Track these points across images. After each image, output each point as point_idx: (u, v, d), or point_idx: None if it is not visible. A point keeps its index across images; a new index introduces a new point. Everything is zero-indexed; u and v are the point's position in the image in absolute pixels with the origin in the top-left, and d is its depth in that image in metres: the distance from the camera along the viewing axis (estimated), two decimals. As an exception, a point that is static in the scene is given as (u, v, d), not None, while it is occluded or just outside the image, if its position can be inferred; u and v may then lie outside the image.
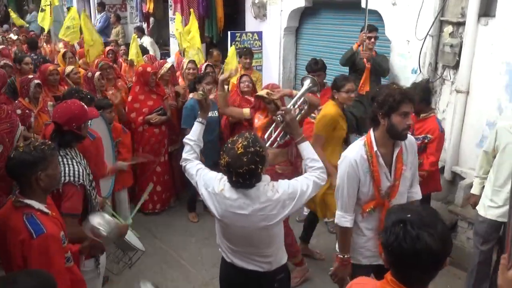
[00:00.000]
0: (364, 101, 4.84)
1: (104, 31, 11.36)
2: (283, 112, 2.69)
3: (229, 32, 7.27)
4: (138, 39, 10.04)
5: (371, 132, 2.68)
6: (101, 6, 11.55)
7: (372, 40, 5.13)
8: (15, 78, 5.31)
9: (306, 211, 5.22)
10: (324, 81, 5.06)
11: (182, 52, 6.93)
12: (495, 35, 4.43)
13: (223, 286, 2.87)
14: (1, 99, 3.86)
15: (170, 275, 4.40)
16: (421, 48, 5.05)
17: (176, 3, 8.42)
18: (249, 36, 7.34)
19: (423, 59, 5.11)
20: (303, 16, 7.05)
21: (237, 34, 7.23)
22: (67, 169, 2.70)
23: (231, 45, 7.09)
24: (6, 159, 2.36)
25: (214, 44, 8.51)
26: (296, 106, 3.00)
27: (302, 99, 3.05)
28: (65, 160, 2.73)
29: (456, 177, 4.96)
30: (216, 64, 6.45)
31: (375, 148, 2.63)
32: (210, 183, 2.54)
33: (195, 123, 2.86)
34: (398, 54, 5.37)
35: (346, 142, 3.98)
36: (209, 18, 8.31)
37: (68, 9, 9.95)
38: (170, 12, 9.34)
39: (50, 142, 2.42)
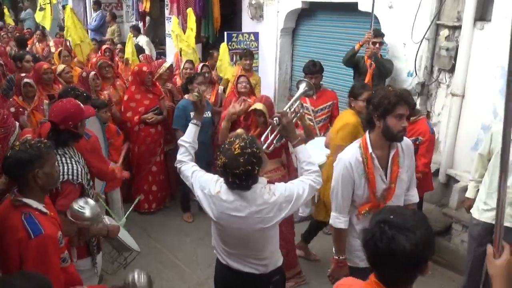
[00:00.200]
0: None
1: (99, 29, 11.34)
2: (280, 115, 2.69)
3: (225, 33, 7.27)
4: (134, 38, 10.03)
5: (366, 134, 2.68)
6: (97, 5, 11.50)
7: (377, 45, 5.09)
8: (15, 76, 5.29)
9: (301, 212, 5.24)
10: (321, 83, 5.06)
11: (180, 53, 6.92)
12: (491, 39, 4.46)
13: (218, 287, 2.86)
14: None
15: (165, 275, 4.39)
16: (417, 51, 5.08)
17: (173, 2, 8.42)
18: (245, 36, 7.35)
19: (419, 62, 5.13)
20: (300, 17, 7.07)
21: (233, 35, 7.24)
22: (65, 167, 2.70)
23: (227, 46, 7.10)
24: None
25: (211, 44, 8.51)
26: (292, 109, 3.00)
27: (298, 102, 3.05)
28: (63, 159, 2.73)
29: (451, 180, 4.99)
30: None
31: (370, 150, 2.63)
32: (206, 185, 2.53)
33: (190, 124, 2.85)
34: (394, 57, 5.40)
35: None
36: (206, 18, 8.31)
37: (64, 7, 9.89)
38: (166, 12, 9.34)
39: (46, 140, 2.40)
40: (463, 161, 4.83)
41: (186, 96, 5.09)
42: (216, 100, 5.71)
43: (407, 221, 1.55)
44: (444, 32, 4.94)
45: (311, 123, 4.92)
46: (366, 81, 5.11)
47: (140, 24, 10.71)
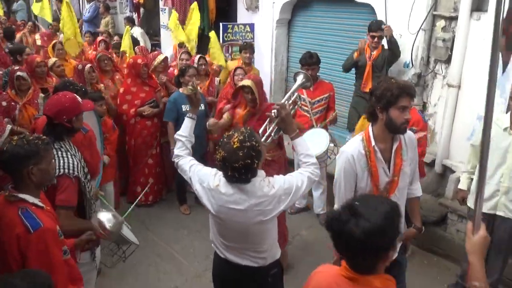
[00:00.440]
0: (368, 98, 4.86)
1: (93, 21, 11.23)
2: (278, 107, 2.68)
3: (221, 24, 7.22)
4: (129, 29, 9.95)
5: (369, 127, 2.67)
6: (90, -4, 11.40)
7: (376, 39, 5.00)
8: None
9: (298, 204, 5.28)
10: (318, 74, 5.05)
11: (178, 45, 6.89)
12: (487, 30, 4.45)
13: (216, 281, 2.88)
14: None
15: (163, 267, 4.40)
16: (414, 42, 5.07)
17: (167, -7, 8.35)
18: (241, 28, 7.29)
19: (415, 53, 5.13)
20: (296, 8, 7.02)
21: (229, 26, 7.18)
22: (61, 161, 2.69)
23: (222, 38, 7.06)
24: None
25: (206, 36, 8.45)
26: (290, 102, 2.99)
27: (295, 94, 3.04)
28: (59, 153, 2.72)
29: (447, 170, 5.02)
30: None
31: (373, 143, 2.62)
32: (205, 178, 2.53)
33: (186, 118, 2.84)
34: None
35: None
36: (201, 10, 8.23)
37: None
38: (161, 3, 9.26)
39: (44, 136, 2.38)
40: (459, 151, 4.85)
41: (180, 89, 5.06)
42: (213, 91, 5.69)
43: (366, 208, 1.60)
44: (441, 23, 4.92)
45: (308, 115, 4.92)
46: (366, 72, 5.10)
47: (135, 16, 10.62)
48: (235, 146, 2.31)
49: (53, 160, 2.43)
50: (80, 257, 2.70)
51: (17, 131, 4.24)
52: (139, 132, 5.30)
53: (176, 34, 6.83)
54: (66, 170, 2.68)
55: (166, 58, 5.80)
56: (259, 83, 4.04)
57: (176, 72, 5.97)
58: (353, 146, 2.67)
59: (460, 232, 4.49)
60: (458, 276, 3.99)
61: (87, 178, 2.88)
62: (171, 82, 5.62)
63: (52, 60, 5.72)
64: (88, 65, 5.05)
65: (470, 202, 3.71)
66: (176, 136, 2.81)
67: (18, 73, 4.52)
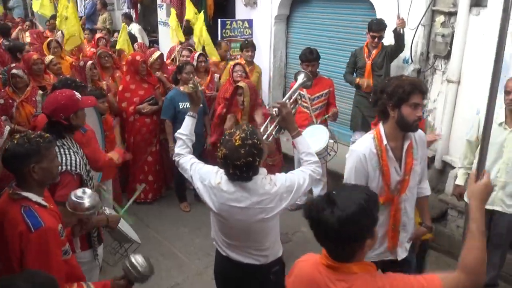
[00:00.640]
0: (369, 97, 4.83)
1: (90, 18, 11.18)
2: (279, 105, 2.67)
3: (219, 20, 7.19)
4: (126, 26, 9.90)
5: (380, 125, 2.63)
6: (88, -8, 11.34)
7: (376, 40, 4.94)
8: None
9: (298, 201, 5.26)
10: (317, 70, 5.04)
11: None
12: (487, 25, 4.44)
13: (218, 279, 2.88)
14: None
15: (164, 265, 4.41)
16: (413, 38, 5.06)
17: (165, -11, 8.31)
18: (239, 24, 7.27)
19: (414, 48, 5.12)
20: (294, 4, 7.00)
21: (227, 22, 7.16)
22: (64, 158, 2.69)
23: (221, 34, 7.03)
24: None
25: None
26: (291, 100, 2.99)
27: (297, 93, 3.04)
28: (61, 150, 2.72)
29: (446, 166, 5.02)
30: (224, 55, 6.36)
31: (384, 142, 2.58)
32: (206, 176, 2.52)
33: (186, 117, 2.83)
34: (390, 43, 5.37)
35: None
36: (199, 5, 8.21)
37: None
38: (159, -1, 9.25)
39: (47, 134, 2.36)
40: (458, 147, 4.83)
41: (181, 88, 5.03)
42: (212, 87, 5.68)
43: (342, 197, 1.64)
44: (440, 18, 4.91)
45: (308, 111, 4.92)
46: (366, 71, 5.06)
47: (132, 12, 10.57)
48: (236, 143, 2.31)
49: (56, 159, 2.41)
50: (82, 252, 2.69)
51: (15, 130, 4.23)
52: (138, 129, 5.28)
53: (176, 32, 6.79)
54: (69, 167, 2.68)
55: (161, 55, 5.77)
56: (252, 89, 4.13)
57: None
58: (364, 145, 2.63)
59: (460, 228, 4.49)
60: None
61: (89, 176, 2.87)
62: (169, 79, 5.60)
63: (49, 58, 5.69)
64: (90, 62, 5.01)
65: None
66: (176, 134, 2.80)
67: (13, 71, 4.50)
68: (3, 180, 2.64)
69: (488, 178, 1.80)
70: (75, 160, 2.73)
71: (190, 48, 6.15)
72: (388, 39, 5.20)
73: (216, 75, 5.96)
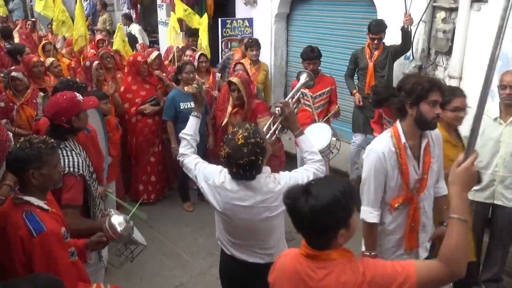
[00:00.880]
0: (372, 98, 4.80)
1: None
2: (282, 105, 2.66)
3: (219, 19, 7.19)
4: (126, 27, 9.88)
5: (397, 123, 2.59)
6: (87, -7, 11.35)
7: (376, 41, 4.88)
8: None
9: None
10: (319, 68, 5.03)
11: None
12: (488, 21, 4.43)
13: (223, 278, 2.88)
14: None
15: (168, 265, 4.41)
16: (414, 34, 5.04)
17: (165, -10, 8.31)
18: (239, 23, 7.27)
19: (416, 45, 5.11)
20: (294, 2, 7.00)
21: (227, 21, 7.16)
22: (66, 160, 2.68)
23: (221, 33, 7.03)
24: None
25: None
26: (294, 100, 2.99)
27: (299, 92, 3.04)
28: (64, 152, 2.72)
29: (449, 162, 5.01)
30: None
31: (403, 140, 2.54)
32: (210, 176, 2.52)
33: (190, 117, 2.83)
34: (391, 40, 5.35)
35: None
36: (199, 5, 8.21)
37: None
38: (158, -1, 9.25)
39: (51, 140, 2.34)
40: (461, 143, 4.85)
41: (185, 88, 5.02)
42: (214, 87, 5.67)
43: (318, 187, 1.67)
44: (441, 14, 4.90)
45: (310, 109, 4.91)
46: (368, 72, 4.99)
47: (132, 12, 10.57)
48: (239, 142, 2.31)
49: (59, 164, 2.40)
50: (90, 258, 2.69)
51: (16, 133, 4.24)
52: (140, 130, 5.28)
53: (175, 36, 6.77)
54: (72, 169, 2.68)
55: (159, 55, 5.76)
56: (246, 82, 4.11)
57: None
58: (382, 144, 2.58)
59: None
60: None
61: (92, 177, 2.87)
62: (169, 78, 5.61)
63: (50, 60, 5.69)
64: (96, 62, 4.99)
65: (471, 194, 3.70)
66: (181, 134, 2.80)
67: (13, 73, 4.49)
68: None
69: (470, 163, 1.72)
70: (78, 161, 2.73)
71: (194, 48, 6.13)
72: (389, 38, 5.20)
73: (218, 74, 5.95)
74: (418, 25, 4.99)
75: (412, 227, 2.66)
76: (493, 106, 3.54)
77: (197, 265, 4.41)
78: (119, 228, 2.49)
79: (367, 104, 4.98)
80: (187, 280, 4.21)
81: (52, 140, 2.34)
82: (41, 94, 4.64)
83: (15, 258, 2.20)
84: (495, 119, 3.48)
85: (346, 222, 1.67)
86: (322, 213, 1.62)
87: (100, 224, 2.64)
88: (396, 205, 2.61)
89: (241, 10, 7.63)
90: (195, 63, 5.43)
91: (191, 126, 2.79)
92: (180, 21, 6.99)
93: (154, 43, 9.93)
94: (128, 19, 9.98)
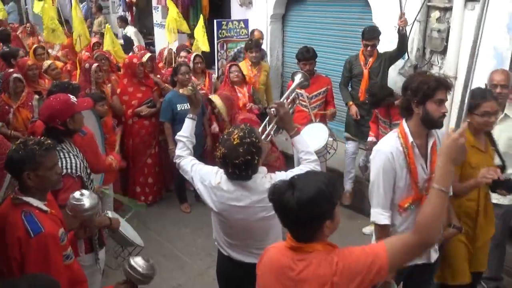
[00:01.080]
0: (366, 106, 4.77)
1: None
2: (277, 105, 2.67)
3: (215, 21, 7.18)
4: (122, 29, 9.87)
5: (403, 123, 2.57)
6: (82, -5, 11.32)
7: (369, 48, 4.79)
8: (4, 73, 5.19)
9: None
10: (315, 69, 5.04)
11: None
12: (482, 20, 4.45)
13: (220, 279, 2.89)
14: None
15: (166, 266, 4.41)
16: (409, 34, 5.05)
17: (160, -9, 8.31)
18: (235, 24, 7.26)
19: (410, 44, 5.12)
20: (289, 3, 7.01)
21: (223, 23, 7.15)
22: (64, 162, 2.70)
23: (217, 34, 7.03)
24: None
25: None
26: (289, 101, 3.00)
27: (294, 93, 3.05)
28: (61, 154, 2.73)
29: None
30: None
31: (410, 139, 2.51)
32: (207, 177, 2.53)
33: (186, 119, 2.83)
34: (386, 40, 5.36)
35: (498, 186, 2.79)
36: (194, 6, 8.21)
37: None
38: (154, 1, 9.23)
39: (47, 141, 2.33)
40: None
41: (180, 90, 5.02)
42: (210, 88, 5.68)
43: (302, 181, 1.72)
44: (435, 14, 4.92)
45: (306, 109, 4.92)
46: (363, 80, 4.89)
47: (127, 15, 10.57)
48: (235, 142, 2.32)
49: (57, 166, 2.39)
50: (83, 256, 2.69)
51: (12, 135, 4.23)
52: (137, 132, 5.28)
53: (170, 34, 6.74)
54: (69, 170, 2.69)
55: (152, 56, 5.74)
56: (226, 99, 4.13)
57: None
58: (390, 144, 2.55)
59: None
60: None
61: (90, 179, 2.87)
62: (163, 80, 5.61)
63: (47, 62, 5.67)
64: (95, 65, 4.96)
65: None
66: (177, 137, 2.81)
67: (15, 75, 4.49)
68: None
69: (458, 135, 1.72)
70: (75, 163, 2.74)
71: (189, 49, 6.12)
72: (384, 39, 5.20)
73: (214, 75, 5.96)
74: (413, 24, 5.00)
75: None
76: None
77: (196, 265, 4.42)
78: (83, 203, 2.45)
79: (360, 111, 4.94)
80: (185, 281, 4.22)
81: (49, 141, 2.34)
82: (36, 96, 4.65)
83: (11, 258, 2.20)
84: None
85: (331, 214, 1.72)
86: (308, 205, 1.66)
87: (99, 220, 2.66)
88: (405, 206, 2.57)
89: (236, 11, 7.64)
90: (191, 65, 5.43)
91: (187, 128, 2.80)
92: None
93: (149, 45, 9.92)
94: (123, 22, 9.97)
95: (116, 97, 5.10)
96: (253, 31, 6.64)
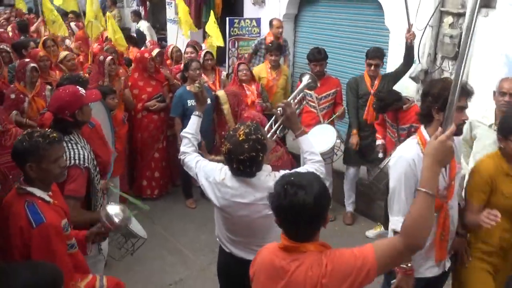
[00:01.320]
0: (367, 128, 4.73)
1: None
2: (284, 105, 2.68)
3: (227, 19, 7.21)
4: (135, 23, 9.90)
5: (422, 129, 2.54)
6: (97, -11, 11.36)
7: (373, 68, 4.63)
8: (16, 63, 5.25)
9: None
10: (325, 70, 5.04)
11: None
12: (495, 27, 4.43)
13: (221, 275, 2.90)
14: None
15: (169, 260, 4.44)
16: (421, 39, 5.03)
17: (174, -13, 8.34)
18: (247, 22, 7.28)
19: (422, 49, 5.10)
20: (302, 3, 7.01)
21: (235, 21, 7.17)
22: (72, 153, 2.72)
23: (229, 32, 7.04)
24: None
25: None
26: (296, 101, 3.01)
27: (301, 93, 3.06)
28: (69, 145, 2.75)
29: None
30: (277, 36, 5.94)
31: None
32: (211, 173, 2.55)
33: (192, 116, 2.86)
34: (398, 44, 5.35)
35: None
36: (207, 4, 8.24)
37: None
38: (168, -3, 9.27)
39: (53, 134, 2.34)
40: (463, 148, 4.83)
41: (187, 87, 5.05)
42: (219, 85, 5.70)
43: (304, 179, 1.76)
44: (448, 19, 4.89)
45: (315, 110, 4.92)
46: (368, 103, 4.71)
47: (141, 9, 10.63)
48: (240, 138, 2.34)
49: (62, 159, 2.39)
50: (91, 250, 2.73)
51: (27, 124, 4.29)
52: (145, 126, 5.32)
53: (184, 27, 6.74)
54: (77, 161, 2.71)
55: (160, 52, 5.76)
56: (232, 95, 4.08)
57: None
58: (411, 151, 2.49)
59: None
60: None
61: (96, 170, 2.90)
62: (175, 77, 5.64)
63: (63, 53, 5.73)
64: (109, 57, 4.99)
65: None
66: (182, 133, 2.83)
67: (32, 64, 4.54)
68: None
69: (446, 137, 1.70)
70: (83, 154, 2.76)
71: (194, 45, 6.12)
72: (395, 42, 5.17)
73: (224, 73, 5.98)
74: (425, 29, 4.98)
75: (442, 236, 2.54)
76: (488, 113, 3.53)
77: (198, 261, 4.45)
78: (115, 219, 2.51)
79: (361, 134, 4.82)
80: (187, 276, 4.25)
81: (54, 134, 2.34)
82: (49, 87, 4.70)
83: (13, 246, 2.24)
84: (490, 126, 3.47)
85: (327, 211, 1.81)
86: (322, 198, 1.73)
87: (98, 215, 2.68)
88: None
89: (249, 10, 7.66)
90: (201, 61, 5.45)
91: (193, 125, 2.82)
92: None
93: (162, 40, 9.97)
94: (137, 16, 10.03)
95: (128, 91, 5.14)
96: (271, 20, 6.44)
